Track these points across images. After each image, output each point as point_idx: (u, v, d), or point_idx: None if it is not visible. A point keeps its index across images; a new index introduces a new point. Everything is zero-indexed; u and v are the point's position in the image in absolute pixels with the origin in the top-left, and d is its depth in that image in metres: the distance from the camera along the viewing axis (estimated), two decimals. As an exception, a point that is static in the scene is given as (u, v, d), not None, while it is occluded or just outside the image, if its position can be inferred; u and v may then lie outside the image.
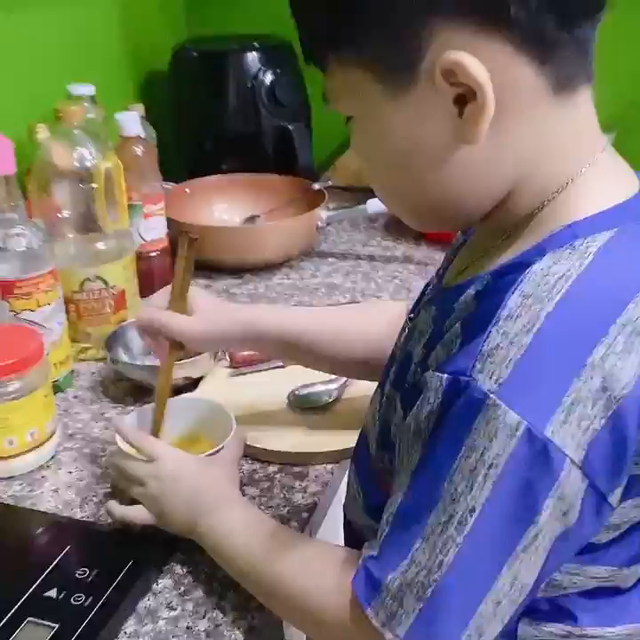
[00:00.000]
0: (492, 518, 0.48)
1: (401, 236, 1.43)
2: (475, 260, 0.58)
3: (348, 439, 0.76)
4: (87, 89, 1.22)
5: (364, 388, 0.82)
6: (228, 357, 1.01)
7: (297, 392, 0.93)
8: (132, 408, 0.93)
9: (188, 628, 0.65)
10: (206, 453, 0.76)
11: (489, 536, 0.49)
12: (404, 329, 0.67)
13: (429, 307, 0.61)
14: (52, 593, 0.67)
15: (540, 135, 0.53)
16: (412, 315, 0.66)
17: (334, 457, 0.84)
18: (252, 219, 1.40)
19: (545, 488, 0.47)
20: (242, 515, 0.68)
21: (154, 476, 0.72)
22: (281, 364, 1.00)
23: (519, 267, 0.51)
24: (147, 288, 1.07)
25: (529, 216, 0.54)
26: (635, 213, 0.53)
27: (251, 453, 0.84)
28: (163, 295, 0.81)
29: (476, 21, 0.48)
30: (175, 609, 0.67)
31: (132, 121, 1.13)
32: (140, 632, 0.65)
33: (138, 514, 0.72)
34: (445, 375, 0.50)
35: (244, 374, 0.99)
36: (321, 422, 0.90)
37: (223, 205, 1.43)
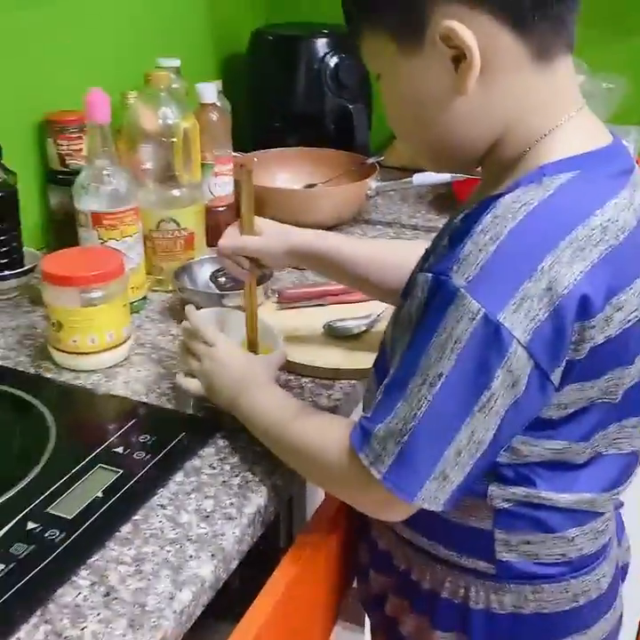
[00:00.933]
0: (455, 382, 0.62)
1: (445, 210, 1.57)
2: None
3: (372, 361, 0.88)
4: (173, 62, 1.40)
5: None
6: (276, 295, 1.17)
7: (331, 323, 1.08)
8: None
9: (223, 482, 0.81)
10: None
11: (452, 396, 0.63)
12: None
13: (440, 233, 0.76)
14: (120, 449, 0.85)
15: (522, 93, 0.67)
16: None
17: (357, 374, 0.99)
18: (309, 186, 1.56)
19: (496, 362, 0.61)
20: (275, 394, 0.84)
21: (209, 357, 0.88)
22: (322, 302, 1.16)
23: (498, 197, 0.66)
24: (214, 239, 1.22)
25: (513, 160, 0.69)
26: (598, 160, 0.67)
27: (288, 367, 1.00)
28: (233, 229, 0.98)
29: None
30: (215, 468, 0.83)
31: (210, 90, 1.31)
32: (185, 482, 0.81)
33: (193, 385, 0.89)
34: (430, 274, 0.64)
35: (290, 308, 1.15)
36: (350, 348, 1.05)
37: (285, 175, 1.60)
